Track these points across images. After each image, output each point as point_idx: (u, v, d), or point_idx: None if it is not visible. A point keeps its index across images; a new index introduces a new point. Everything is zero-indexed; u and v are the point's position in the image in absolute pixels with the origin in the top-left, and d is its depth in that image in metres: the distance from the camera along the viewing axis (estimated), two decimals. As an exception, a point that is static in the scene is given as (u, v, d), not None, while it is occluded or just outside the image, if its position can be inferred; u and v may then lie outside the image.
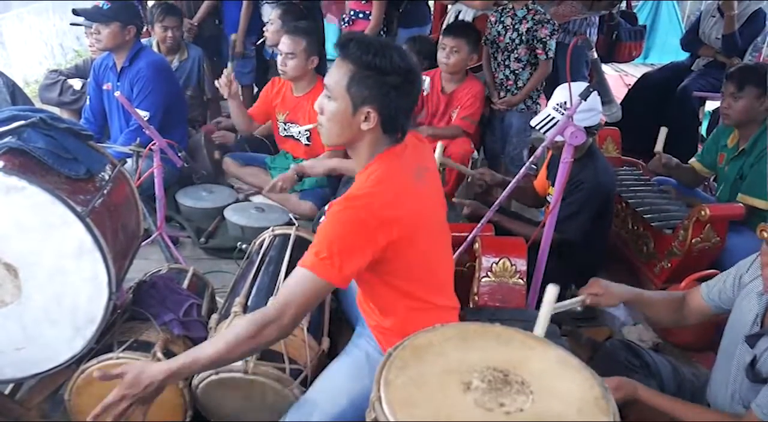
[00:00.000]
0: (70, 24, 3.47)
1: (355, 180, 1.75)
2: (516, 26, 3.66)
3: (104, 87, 3.61)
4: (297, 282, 1.58)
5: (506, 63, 3.76)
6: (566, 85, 2.31)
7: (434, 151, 2.86)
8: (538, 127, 2.62)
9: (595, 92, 2.11)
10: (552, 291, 1.68)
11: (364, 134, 1.66)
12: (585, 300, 1.94)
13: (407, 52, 1.68)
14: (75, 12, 3.44)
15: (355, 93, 1.61)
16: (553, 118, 2.53)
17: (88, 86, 3.75)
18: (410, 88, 1.65)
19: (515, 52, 3.69)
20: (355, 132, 1.66)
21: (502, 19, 3.74)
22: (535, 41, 3.63)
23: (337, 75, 1.63)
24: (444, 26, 4.18)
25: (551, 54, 3.64)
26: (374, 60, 1.59)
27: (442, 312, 1.83)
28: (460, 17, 4.27)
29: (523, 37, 3.63)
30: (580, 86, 2.23)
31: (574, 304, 1.93)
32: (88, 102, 3.73)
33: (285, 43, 3.37)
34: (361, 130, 1.65)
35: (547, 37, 3.60)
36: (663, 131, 3.30)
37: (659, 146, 3.28)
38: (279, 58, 3.44)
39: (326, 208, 3.06)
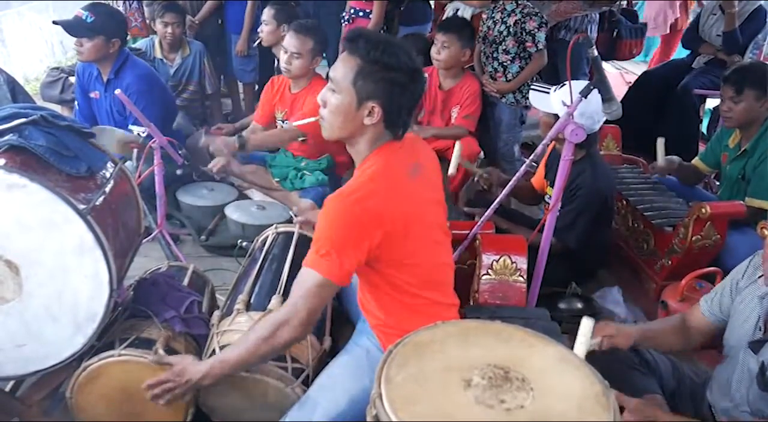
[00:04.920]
0: (52, 22, 3.25)
1: (354, 174, 1.77)
2: (504, 19, 3.67)
3: (91, 95, 3.50)
4: (302, 282, 1.64)
5: (494, 55, 3.76)
6: (567, 83, 2.31)
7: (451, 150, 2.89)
8: (530, 97, 2.62)
9: (597, 93, 2.11)
10: (587, 324, 1.68)
11: (366, 129, 1.69)
12: (602, 344, 1.85)
13: (413, 51, 1.71)
14: (55, 22, 3.24)
15: (360, 87, 1.64)
16: (548, 91, 2.54)
17: (75, 92, 3.64)
18: (414, 87, 1.68)
19: (503, 44, 3.69)
20: (357, 126, 1.69)
21: (492, 14, 3.76)
22: (524, 34, 3.62)
23: (343, 69, 1.66)
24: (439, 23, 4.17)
25: (541, 46, 3.63)
26: (382, 56, 1.62)
27: (442, 309, 1.83)
28: (458, 15, 4.26)
29: (511, 29, 3.63)
30: (581, 84, 2.23)
31: (593, 346, 1.84)
32: (77, 106, 3.65)
33: (292, 43, 3.29)
34: (363, 124, 1.68)
35: (535, 30, 3.59)
36: (660, 142, 3.28)
37: (660, 161, 3.26)
38: (283, 56, 3.39)
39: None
